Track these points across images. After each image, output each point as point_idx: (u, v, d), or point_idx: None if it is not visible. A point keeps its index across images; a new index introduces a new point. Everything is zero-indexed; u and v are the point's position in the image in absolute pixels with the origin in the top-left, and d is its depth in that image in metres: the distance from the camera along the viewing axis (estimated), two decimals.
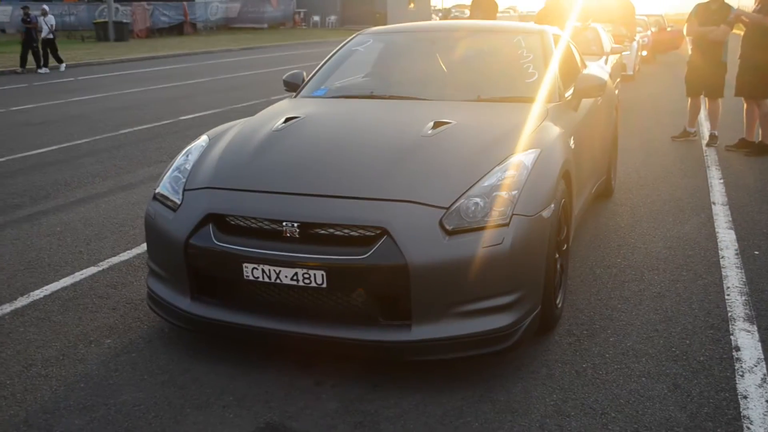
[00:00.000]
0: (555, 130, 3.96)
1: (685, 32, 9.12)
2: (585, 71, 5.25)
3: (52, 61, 20.88)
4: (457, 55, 5.06)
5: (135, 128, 10.41)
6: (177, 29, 40.67)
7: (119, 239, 5.35)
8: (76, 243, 5.27)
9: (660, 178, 7.16)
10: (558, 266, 3.66)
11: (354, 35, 5.51)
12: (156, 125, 10.70)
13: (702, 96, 9.03)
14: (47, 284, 4.48)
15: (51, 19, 20.76)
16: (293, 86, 5.14)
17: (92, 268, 4.77)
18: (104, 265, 4.82)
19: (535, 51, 4.82)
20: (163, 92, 15.29)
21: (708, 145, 8.72)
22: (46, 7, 21.74)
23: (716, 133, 8.82)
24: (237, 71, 20.54)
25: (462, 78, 4.81)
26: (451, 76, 4.86)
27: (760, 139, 8.36)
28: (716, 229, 5.46)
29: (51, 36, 20.72)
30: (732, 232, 5.40)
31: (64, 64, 21.20)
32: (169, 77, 18.62)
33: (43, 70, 20.27)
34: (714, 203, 6.19)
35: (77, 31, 37.32)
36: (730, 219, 5.72)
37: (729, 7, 8.60)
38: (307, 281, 3.11)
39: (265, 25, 48.12)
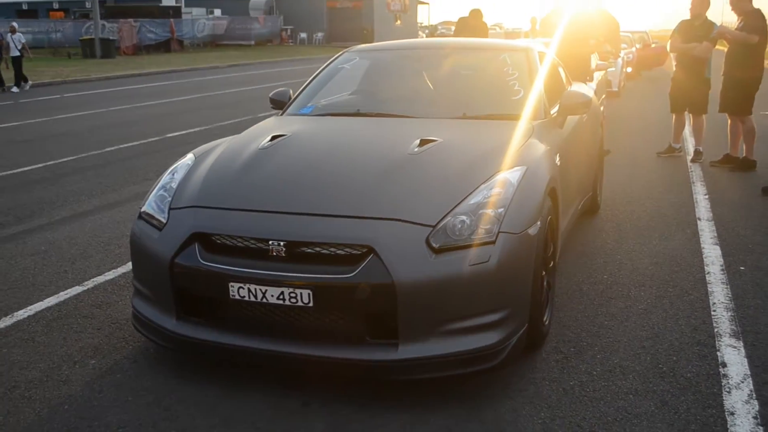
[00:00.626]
0: (541, 148, 3.97)
1: (668, 49, 9.20)
2: (570, 88, 5.28)
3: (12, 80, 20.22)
4: (443, 73, 5.08)
5: (121, 146, 10.38)
6: (164, 46, 40.71)
7: (104, 258, 5.31)
8: (61, 262, 5.23)
9: (646, 193, 7.20)
10: (545, 283, 3.66)
11: (340, 53, 5.52)
12: (142, 143, 10.67)
13: (686, 112, 9.11)
14: (31, 304, 4.44)
15: (20, 37, 20.22)
16: (279, 104, 5.14)
17: (77, 287, 4.73)
18: (89, 284, 4.79)
19: (520, 68, 4.85)
20: (150, 109, 15.27)
21: (693, 160, 8.78)
22: (15, 24, 21.46)
23: (701, 148, 8.88)
24: (224, 88, 20.54)
25: (448, 95, 4.83)
26: (437, 94, 4.88)
27: (744, 155, 8.43)
28: (702, 245, 5.49)
29: (18, 54, 19.98)
30: (717, 247, 5.42)
31: (29, 83, 20.44)
32: (155, 94, 18.59)
33: (15, 89, 19.69)
34: (699, 219, 6.22)
35: (63, 47, 37.30)
36: (716, 234, 5.75)
37: (712, 24, 8.69)
38: (293, 300, 3.10)
39: (252, 42, 48.23)
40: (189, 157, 4.08)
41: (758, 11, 8.28)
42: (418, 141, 3.82)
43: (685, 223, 6.10)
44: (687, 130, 9.95)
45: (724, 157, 8.58)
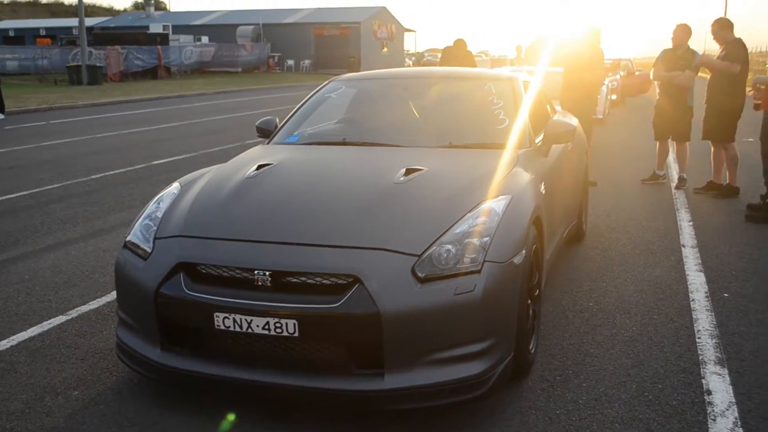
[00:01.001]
0: (525, 176, 4.00)
1: (651, 77, 9.31)
2: (555, 117, 5.33)
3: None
4: (429, 102, 5.12)
5: (107, 173, 10.35)
6: (151, 73, 40.75)
7: (89, 287, 5.28)
8: (45, 291, 5.20)
9: (630, 220, 7.25)
10: (530, 312, 3.67)
11: (327, 82, 5.56)
12: (128, 170, 10.65)
13: (670, 139, 9.20)
14: (14, 334, 4.40)
15: None
16: (266, 132, 5.16)
17: (61, 317, 4.69)
18: (73, 313, 4.75)
19: (505, 98, 4.90)
20: (136, 136, 15.26)
21: (677, 187, 8.86)
22: None
23: (685, 175, 8.96)
24: (211, 115, 20.56)
25: (434, 124, 4.86)
26: (422, 123, 4.91)
27: (727, 182, 8.51)
28: (686, 272, 5.52)
29: None
30: (702, 274, 5.46)
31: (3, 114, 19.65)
32: (142, 121, 18.59)
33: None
34: (684, 246, 6.26)
35: (50, 74, 37.29)
36: (700, 261, 5.79)
37: (694, 52, 8.82)
38: (278, 330, 3.09)
39: (239, 69, 48.40)
40: (175, 186, 4.08)
41: (739, 40, 8.42)
42: (403, 170, 3.84)
43: (669, 250, 6.14)
44: (671, 157, 10.05)
45: (708, 184, 8.66)
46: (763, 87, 7.31)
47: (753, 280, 5.38)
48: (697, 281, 5.30)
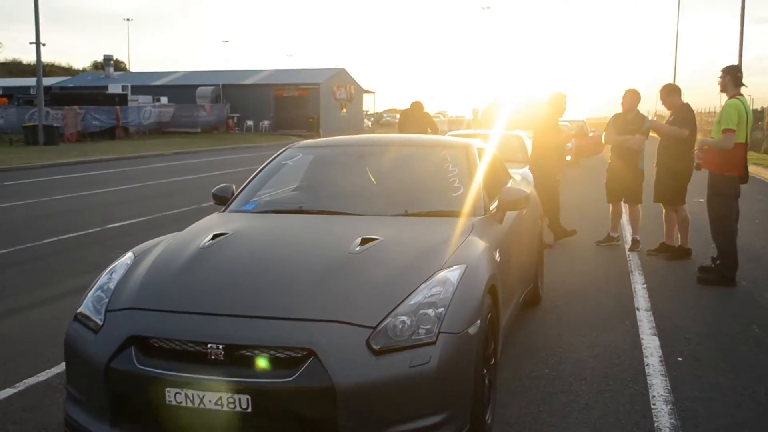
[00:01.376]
0: (480, 245, 4.04)
1: (603, 140, 9.55)
2: (509, 184, 5.42)
3: None
4: (385, 170, 5.18)
5: (60, 237, 10.18)
6: (108, 133, 40.48)
7: (38, 358, 5.14)
8: None
9: (586, 283, 7.33)
10: (486, 382, 3.67)
11: (283, 149, 5.59)
12: (82, 234, 10.49)
13: (623, 202, 9.39)
14: None
15: None
16: (222, 199, 5.15)
17: (8, 389, 4.56)
18: (21, 386, 4.62)
19: (460, 165, 4.97)
20: (92, 198, 15.09)
21: (631, 249, 9.00)
22: None
23: (638, 237, 9.13)
24: (168, 177, 20.46)
25: (389, 192, 4.91)
26: (378, 191, 4.95)
27: (679, 244, 8.68)
28: (641, 336, 5.58)
29: None
30: (656, 338, 5.52)
31: None
32: (98, 183, 18.42)
33: None
34: (638, 309, 6.34)
35: (6, 134, 36.84)
36: (654, 325, 5.86)
37: (644, 117, 9.12)
38: (231, 406, 3.04)
39: (199, 130, 48.34)
40: (128, 256, 4.04)
41: (687, 105, 8.72)
42: (359, 240, 3.86)
43: (624, 314, 6.21)
44: (624, 219, 10.23)
45: (661, 246, 8.83)
46: (706, 148, 7.54)
47: (706, 343, 5.45)
48: (651, 345, 5.36)
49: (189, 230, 4.49)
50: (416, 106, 13.76)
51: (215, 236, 4.09)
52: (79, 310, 3.66)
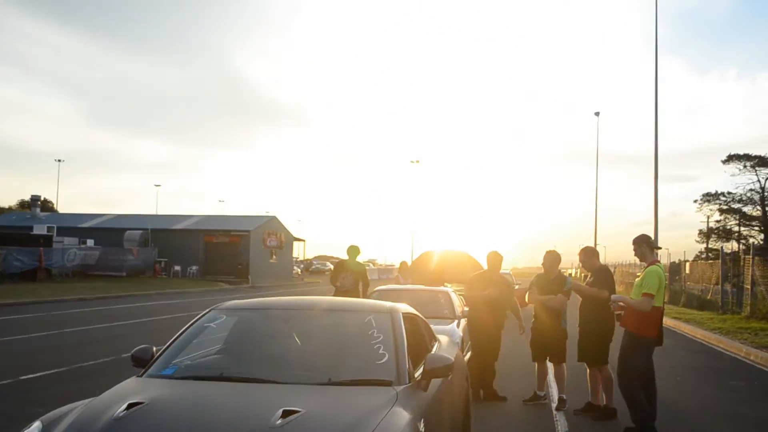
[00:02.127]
0: (404, 416, 3.99)
1: (527, 300, 9.73)
2: (435, 347, 5.42)
3: None
4: (309, 335, 5.14)
5: None
6: (30, 275, 39.36)
7: None
8: None
9: None
10: None
11: (206, 311, 5.50)
12: None
13: (547, 360, 9.47)
14: None
15: None
16: (141, 362, 4.98)
17: None
18: None
19: (385, 331, 4.96)
20: (3, 347, 14.38)
21: (557, 408, 9.00)
22: None
23: (564, 396, 9.15)
24: (88, 323, 19.77)
25: (314, 359, 4.85)
26: (302, 357, 4.89)
27: (605, 403, 8.72)
28: None
29: None
30: None
31: None
32: (12, 329, 17.65)
33: None
34: None
35: None
36: None
37: (565, 277, 9.38)
38: None
39: (124, 273, 47.45)
40: (36, 426, 3.83)
41: (605, 267, 9.06)
42: (280, 411, 3.76)
43: None
44: (550, 377, 10.26)
45: (587, 405, 8.86)
46: (622, 303, 7.80)
47: None
48: None
49: (103, 397, 4.30)
50: (352, 250, 13.72)
51: (130, 405, 3.93)
52: None
